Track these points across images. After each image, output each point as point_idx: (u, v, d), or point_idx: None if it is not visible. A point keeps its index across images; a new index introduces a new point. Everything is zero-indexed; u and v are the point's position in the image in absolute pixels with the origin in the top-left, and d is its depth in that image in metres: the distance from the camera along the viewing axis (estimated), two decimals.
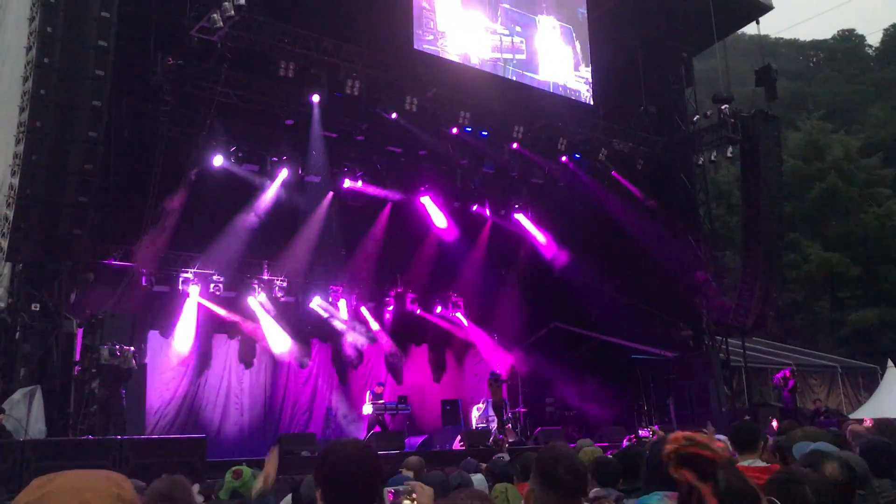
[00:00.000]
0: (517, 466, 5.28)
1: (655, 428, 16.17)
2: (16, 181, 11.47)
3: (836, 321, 37.36)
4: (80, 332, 13.15)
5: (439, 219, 20.60)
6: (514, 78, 18.45)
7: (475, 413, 18.93)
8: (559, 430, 18.03)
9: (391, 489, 2.44)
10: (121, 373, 12.77)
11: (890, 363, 26.31)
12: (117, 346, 12.76)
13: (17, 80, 12.12)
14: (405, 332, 20.79)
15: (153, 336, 16.33)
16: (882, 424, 5.52)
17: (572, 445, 8.02)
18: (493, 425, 17.92)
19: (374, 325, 20.02)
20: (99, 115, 12.00)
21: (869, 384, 27.59)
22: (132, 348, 13.42)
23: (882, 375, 26.79)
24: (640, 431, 17.45)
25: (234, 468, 4.83)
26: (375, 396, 17.19)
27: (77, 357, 13.07)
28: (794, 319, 36.98)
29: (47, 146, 11.57)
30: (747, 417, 16.89)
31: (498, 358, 21.16)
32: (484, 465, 6.60)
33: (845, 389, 27.13)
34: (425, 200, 20.37)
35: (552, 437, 15.54)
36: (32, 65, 11.67)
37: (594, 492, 4.10)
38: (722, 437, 8.83)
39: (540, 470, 2.62)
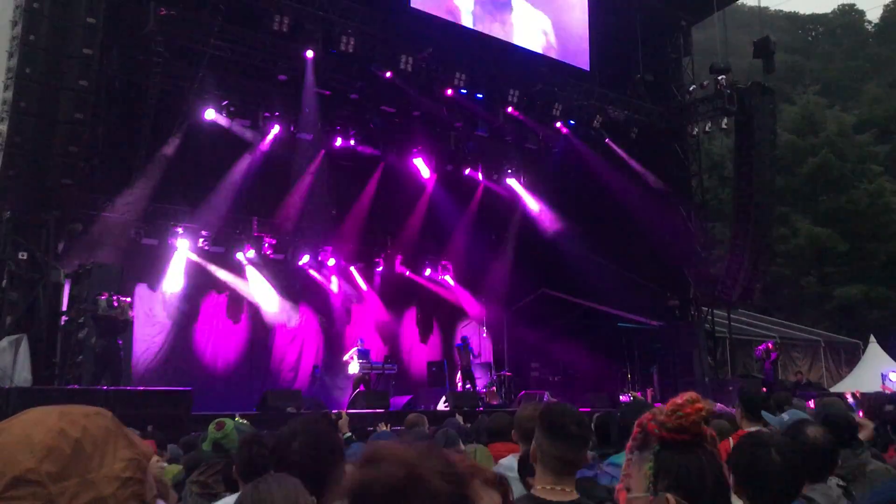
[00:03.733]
0: (486, 428, 5.30)
1: (638, 395, 16.37)
2: (4, 128, 11.36)
3: (821, 296, 37.65)
4: (67, 282, 13.12)
5: (431, 181, 20.56)
6: (510, 41, 18.30)
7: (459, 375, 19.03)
8: (543, 394, 18.19)
9: None
10: (118, 324, 12.73)
11: (872, 338, 26.63)
12: (115, 297, 12.70)
13: (5, 25, 11.93)
14: (394, 293, 20.82)
15: (140, 288, 16.28)
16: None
17: None
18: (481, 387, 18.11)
19: (363, 286, 20.05)
20: (90, 63, 11.87)
21: (850, 359, 27.93)
22: (129, 299, 13.38)
23: (864, 351, 27.13)
24: (621, 397, 17.68)
25: (216, 420, 4.85)
26: (362, 353, 17.24)
27: (64, 307, 13.06)
28: (781, 293, 37.25)
29: (37, 94, 11.47)
30: (731, 388, 17.12)
31: (484, 320, 21.28)
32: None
33: (827, 363, 27.45)
34: (418, 162, 20.28)
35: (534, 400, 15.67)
36: (22, 10, 11.50)
37: None
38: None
39: (547, 424, 2.69)
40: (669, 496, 1.63)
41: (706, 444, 1.70)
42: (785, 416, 4.02)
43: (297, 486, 2.03)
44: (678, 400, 1.70)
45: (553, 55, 19.33)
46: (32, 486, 1.14)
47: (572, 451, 2.64)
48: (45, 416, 1.22)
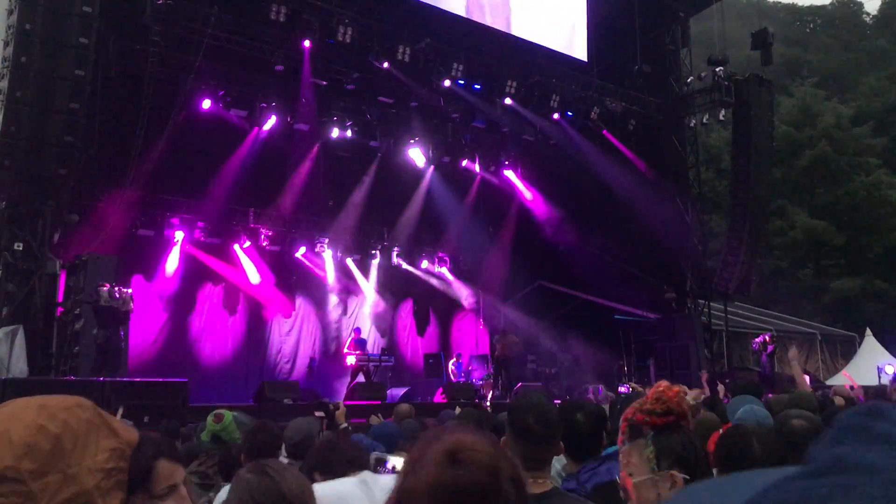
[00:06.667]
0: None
1: (637, 386, 16.36)
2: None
3: (818, 289, 37.70)
4: (63, 273, 13.07)
5: (428, 173, 20.52)
6: (508, 31, 18.26)
7: (451, 367, 18.96)
8: (541, 386, 18.21)
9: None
10: (119, 315, 12.69)
11: (868, 332, 26.68)
12: (117, 288, 12.66)
13: (0, 14, 11.86)
14: (390, 284, 20.80)
15: (137, 280, 16.25)
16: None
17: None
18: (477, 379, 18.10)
19: (360, 277, 20.03)
20: (86, 52, 11.80)
21: (846, 352, 28.00)
22: (130, 290, 13.33)
23: (860, 344, 27.19)
24: (619, 388, 17.69)
25: (215, 412, 4.85)
26: (358, 344, 17.23)
27: (60, 298, 13.01)
28: (778, 285, 37.29)
29: (32, 83, 11.39)
30: (727, 381, 17.11)
31: (480, 312, 21.29)
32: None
33: (823, 356, 27.50)
34: (414, 153, 20.24)
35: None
36: None
37: None
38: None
39: (511, 420, 2.62)
40: (674, 472, 1.86)
41: (686, 422, 1.97)
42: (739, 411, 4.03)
43: (302, 475, 2.03)
44: (658, 388, 2.01)
45: (551, 46, 19.28)
46: (12, 484, 1.14)
47: (536, 450, 2.51)
48: (24, 410, 1.20)
